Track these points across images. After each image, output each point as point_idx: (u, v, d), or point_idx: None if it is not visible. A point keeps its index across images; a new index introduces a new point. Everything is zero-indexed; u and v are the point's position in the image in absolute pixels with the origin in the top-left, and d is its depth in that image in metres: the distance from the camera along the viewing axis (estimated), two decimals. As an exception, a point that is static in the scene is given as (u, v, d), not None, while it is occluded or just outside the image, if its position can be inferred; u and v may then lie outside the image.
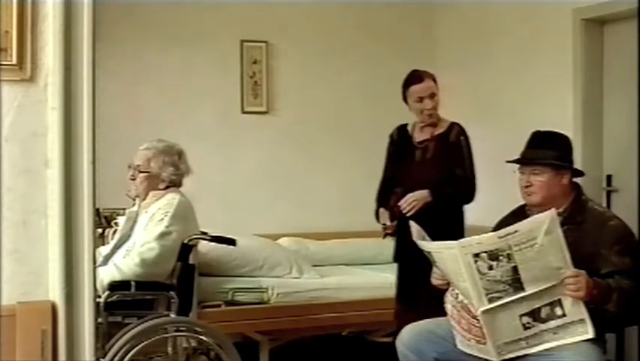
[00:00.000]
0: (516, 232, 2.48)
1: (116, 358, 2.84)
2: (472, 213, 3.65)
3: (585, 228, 2.74)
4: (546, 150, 2.85)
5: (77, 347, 1.94)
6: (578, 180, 2.92)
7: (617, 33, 4.39)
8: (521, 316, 2.56)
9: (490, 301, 2.52)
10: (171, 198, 3.49)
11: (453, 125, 3.62)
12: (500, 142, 4.33)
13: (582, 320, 2.55)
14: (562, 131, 2.93)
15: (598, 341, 2.65)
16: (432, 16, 5.73)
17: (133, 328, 3.01)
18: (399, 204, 3.45)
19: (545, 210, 2.64)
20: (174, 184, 3.60)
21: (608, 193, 4.44)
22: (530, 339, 2.57)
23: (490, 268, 2.51)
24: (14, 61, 1.92)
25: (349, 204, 5.29)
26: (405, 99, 3.62)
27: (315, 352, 4.45)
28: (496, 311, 2.54)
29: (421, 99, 3.54)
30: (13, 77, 1.93)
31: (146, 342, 2.94)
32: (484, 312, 2.54)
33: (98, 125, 1.99)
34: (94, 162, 1.97)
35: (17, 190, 1.94)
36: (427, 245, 2.67)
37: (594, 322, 2.55)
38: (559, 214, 2.70)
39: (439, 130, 3.61)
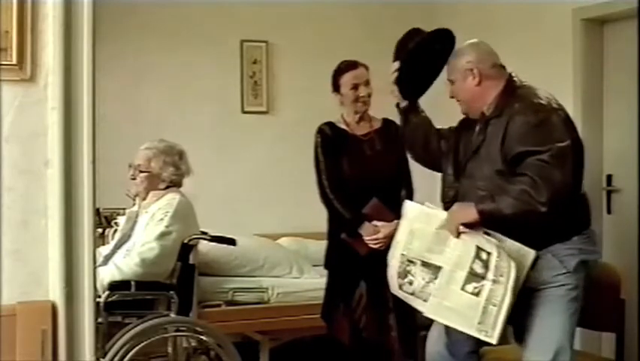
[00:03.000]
0: (395, 242, 2.65)
1: (116, 358, 2.84)
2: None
3: (502, 120, 2.60)
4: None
5: (77, 347, 1.94)
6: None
7: (617, 33, 4.38)
8: (462, 288, 2.47)
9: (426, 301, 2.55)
10: (171, 198, 3.49)
11: (387, 120, 3.57)
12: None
13: (501, 242, 2.45)
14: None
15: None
16: (432, 17, 5.72)
17: (133, 328, 3.01)
18: (366, 239, 3.37)
19: (477, 113, 2.67)
20: (174, 184, 3.60)
21: (608, 193, 4.44)
22: (493, 298, 2.40)
23: (411, 283, 2.58)
24: (14, 61, 1.92)
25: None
26: (337, 89, 3.54)
27: (315, 352, 4.44)
28: (439, 305, 2.52)
29: (356, 86, 3.48)
30: (13, 77, 1.92)
31: (146, 342, 2.94)
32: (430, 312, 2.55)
33: (97, 125, 1.99)
34: (94, 162, 1.96)
35: (17, 190, 1.94)
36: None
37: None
38: (484, 111, 2.68)
39: (376, 125, 3.58)
